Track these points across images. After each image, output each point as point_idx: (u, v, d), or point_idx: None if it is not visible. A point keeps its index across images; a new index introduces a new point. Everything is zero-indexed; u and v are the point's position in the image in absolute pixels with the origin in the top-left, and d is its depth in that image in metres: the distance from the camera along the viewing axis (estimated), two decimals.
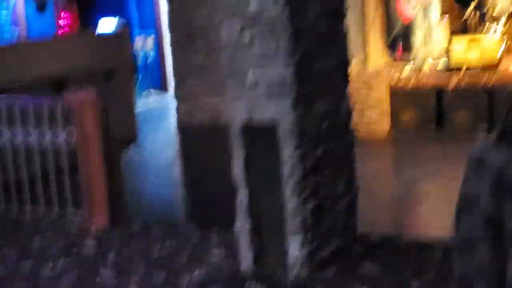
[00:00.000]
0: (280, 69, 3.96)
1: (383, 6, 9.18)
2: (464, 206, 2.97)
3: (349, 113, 4.51)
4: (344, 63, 4.45)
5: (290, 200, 4.01)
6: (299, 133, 4.00)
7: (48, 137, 5.39)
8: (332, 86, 4.33)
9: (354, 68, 8.39)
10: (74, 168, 5.31)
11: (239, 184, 4.12)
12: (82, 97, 5.26)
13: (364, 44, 8.63)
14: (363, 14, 8.60)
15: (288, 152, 4.00)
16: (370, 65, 8.67)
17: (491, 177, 2.76)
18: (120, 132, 6.11)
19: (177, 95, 6.06)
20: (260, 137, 4.09)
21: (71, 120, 5.27)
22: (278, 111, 3.99)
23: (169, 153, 7.05)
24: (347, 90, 4.50)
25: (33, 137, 5.44)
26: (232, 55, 4.10)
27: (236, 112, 4.09)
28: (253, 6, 3.95)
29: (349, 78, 4.54)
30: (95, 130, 5.14)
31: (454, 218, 3.01)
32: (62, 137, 5.32)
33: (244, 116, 4.08)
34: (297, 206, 4.01)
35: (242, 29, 4.00)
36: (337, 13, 4.39)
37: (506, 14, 8.39)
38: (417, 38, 8.16)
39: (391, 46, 9.42)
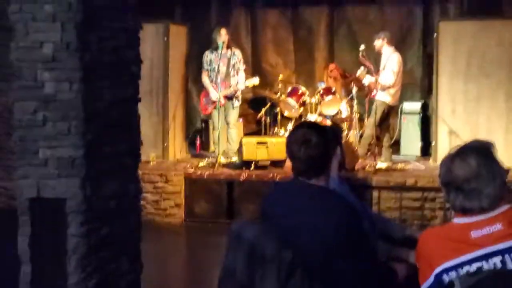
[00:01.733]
0: (70, 150, 4.17)
1: (184, 101, 9.80)
2: (224, 277, 3.39)
3: (137, 196, 4.80)
4: (135, 148, 4.77)
5: (73, 275, 4.15)
6: (86, 211, 4.20)
7: None
8: (121, 168, 4.61)
9: (153, 159, 8.82)
10: None
11: (23, 259, 4.20)
12: None
13: (164, 137, 9.10)
14: (164, 108, 9.11)
15: (73, 229, 4.18)
16: (169, 157, 9.13)
17: (245, 250, 3.21)
18: None
19: None
20: (47, 213, 4.23)
21: None
22: (66, 190, 4.17)
23: None
24: (136, 174, 4.81)
25: None
26: (24, 134, 4.24)
27: (24, 189, 4.22)
28: (48, 89, 4.18)
29: (141, 163, 4.87)
30: None
31: (217, 286, 3.42)
32: None
33: (32, 193, 4.21)
34: (79, 281, 4.16)
35: (35, 110, 4.19)
36: (131, 101, 4.74)
37: (293, 120, 9.32)
38: (215, 135, 8.78)
39: (191, 140, 9.99)
